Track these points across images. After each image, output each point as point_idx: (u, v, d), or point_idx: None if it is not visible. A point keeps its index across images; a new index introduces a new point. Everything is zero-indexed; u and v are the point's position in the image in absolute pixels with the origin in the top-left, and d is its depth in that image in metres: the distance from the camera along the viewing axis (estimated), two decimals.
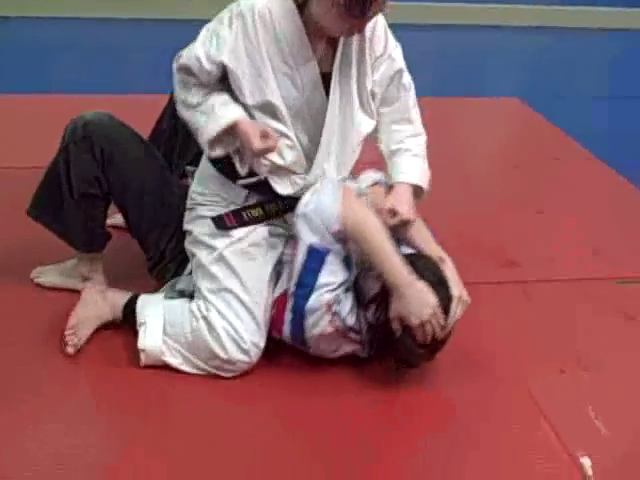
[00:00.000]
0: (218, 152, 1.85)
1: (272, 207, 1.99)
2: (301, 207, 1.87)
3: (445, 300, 1.85)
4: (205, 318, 1.91)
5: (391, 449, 1.77)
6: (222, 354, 1.88)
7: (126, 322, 2.01)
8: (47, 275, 2.24)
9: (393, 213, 1.93)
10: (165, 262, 2.11)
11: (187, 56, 1.85)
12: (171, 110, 2.28)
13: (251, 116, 1.86)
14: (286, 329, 1.92)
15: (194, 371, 1.92)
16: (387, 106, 2.03)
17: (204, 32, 1.87)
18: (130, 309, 1.99)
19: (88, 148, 1.98)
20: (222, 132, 1.81)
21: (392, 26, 1.99)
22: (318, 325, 1.88)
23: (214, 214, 1.97)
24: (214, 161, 1.95)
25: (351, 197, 1.89)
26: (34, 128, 3.17)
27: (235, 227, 1.96)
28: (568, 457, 1.76)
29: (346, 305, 1.90)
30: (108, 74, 4.12)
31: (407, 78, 2.04)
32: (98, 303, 2.04)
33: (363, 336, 1.95)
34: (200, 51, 1.83)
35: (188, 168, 2.27)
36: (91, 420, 1.78)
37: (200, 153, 2.03)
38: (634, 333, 2.27)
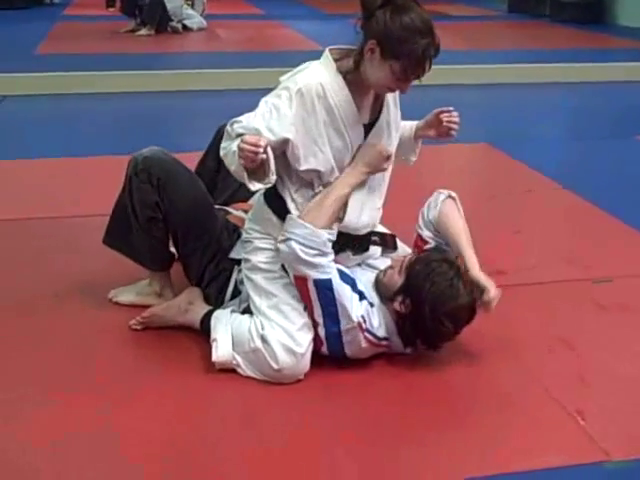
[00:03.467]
0: (258, 186, 2.11)
1: None
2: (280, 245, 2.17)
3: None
4: (262, 337, 2.17)
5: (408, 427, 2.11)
6: (275, 365, 2.14)
7: (203, 333, 2.32)
8: (124, 294, 2.58)
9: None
10: (205, 283, 2.43)
11: (245, 126, 2.10)
12: (215, 149, 2.63)
13: (297, 177, 2.19)
14: (325, 349, 2.22)
15: (259, 378, 2.19)
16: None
17: (263, 105, 2.14)
18: (206, 325, 2.30)
19: (146, 178, 2.33)
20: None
21: None
22: (354, 343, 2.19)
23: (268, 246, 2.27)
24: (268, 201, 2.26)
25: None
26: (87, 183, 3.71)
27: None
28: (567, 414, 2.09)
29: (374, 320, 2.20)
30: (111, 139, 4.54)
31: None
32: (180, 311, 2.38)
33: (392, 338, 2.24)
34: (260, 123, 2.10)
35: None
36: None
37: (235, 192, 2.42)
38: (607, 319, 2.64)
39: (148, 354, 2.35)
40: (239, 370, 2.20)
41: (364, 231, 2.33)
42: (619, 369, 2.32)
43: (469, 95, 6.14)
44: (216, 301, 2.42)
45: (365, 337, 2.19)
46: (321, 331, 2.19)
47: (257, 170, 2.07)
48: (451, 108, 2.44)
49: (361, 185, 2.25)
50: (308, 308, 2.19)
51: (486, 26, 10.70)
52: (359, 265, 2.37)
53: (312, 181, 2.22)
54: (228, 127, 2.17)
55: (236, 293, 2.39)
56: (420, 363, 2.31)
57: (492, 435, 2.03)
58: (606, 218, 3.53)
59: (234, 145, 2.09)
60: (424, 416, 2.11)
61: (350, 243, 2.31)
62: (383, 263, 2.37)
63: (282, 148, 2.14)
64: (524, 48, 8.59)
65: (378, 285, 2.28)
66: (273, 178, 2.09)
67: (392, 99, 2.29)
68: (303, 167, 2.18)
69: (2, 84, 5.81)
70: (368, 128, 2.24)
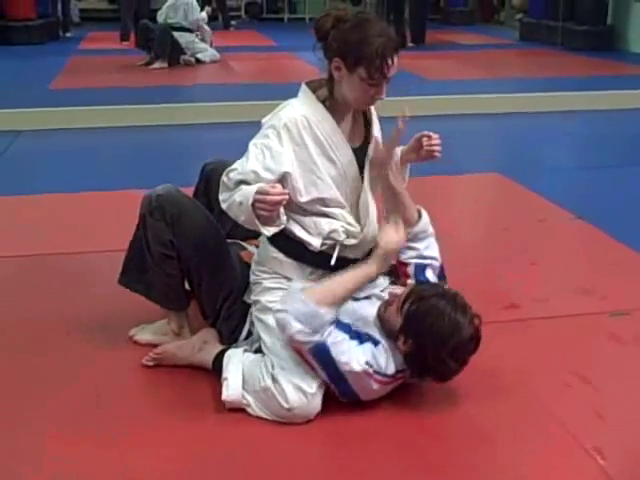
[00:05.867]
0: (272, 230, 2.13)
1: None
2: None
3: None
4: (272, 375, 2.15)
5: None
6: (285, 404, 2.12)
7: (215, 372, 2.30)
8: (142, 333, 2.57)
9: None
10: (220, 321, 2.42)
11: (241, 172, 2.16)
12: (204, 188, 2.68)
13: (303, 210, 2.22)
14: (339, 395, 2.18)
15: (269, 418, 2.16)
16: None
17: (253, 148, 2.20)
18: (218, 364, 2.28)
19: (160, 216, 2.33)
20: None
21: (384, 119, 2.41)
22: (366, 388, 2.16)
23: (277, 285, 2.28)
24: (272, 240, 2.26)
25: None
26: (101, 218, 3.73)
27: None
28: (585, 452, 2.05)
29: (381, 360, 2.15)
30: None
31: None
32: (193, 350, 2.37)
33: (407, 372, 2.22)
34: (255, 165, 2.15)
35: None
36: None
37: (233, 227, 2.44)
38: (624, 352, 2.60)
39: (159, 393, 2.34)
40: (249, 410, 2.18)
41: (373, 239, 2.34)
42: (637, 404, 2.29)
43: (481, 124, 6.16)
44: (229, 340, 2.41)
45: (375, 380, 2.16)
46: (330, 385, 2.16)
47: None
48: (431, 133, 2.47)
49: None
50: (310, 367, 2.15)
51: (498, 54, 10.71)
52: (368, 298, 2.35)
53: (316, 211, 2.24)
54: (224, 177, 2.21)
55: (250, 334, 2.38)
56: (433, 399, 2.28)
57: (508, 475, 2.00)
58: (621, 248, 3.50)
59: (237, 196, 2.14)
60: (436, 455, 2.08)
61: None
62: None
63: (282, 185, 2.16)
64: (536, 76, 8.59)
65: (381, 321, 2.25)
66: (284, 219, 2.12)
67: (374, 122, 2.35)
68: (305, 198, 2.21)
69: (17, 119, 5.87)
70: (358, 152, 2.29)
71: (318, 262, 2.29)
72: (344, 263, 2.28)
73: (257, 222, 2.10)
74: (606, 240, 3.60)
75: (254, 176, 2.15)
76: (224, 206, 2.21)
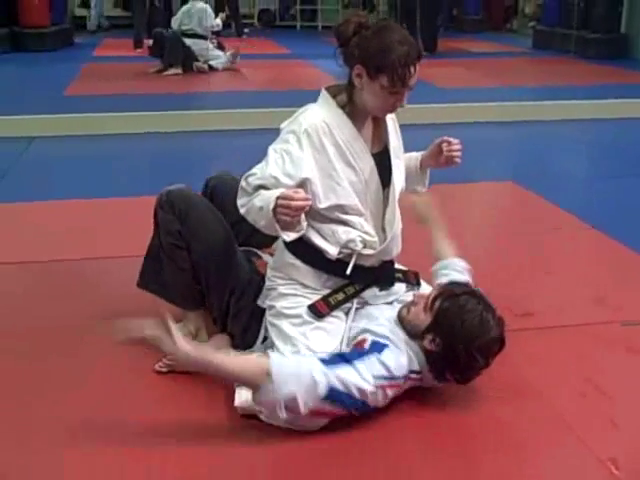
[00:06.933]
0: (292, 235, 2.13)
1: (351, 289, 2.32)
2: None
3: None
4: None
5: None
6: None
7: None
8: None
9: None
10: (230, 318, 2.41)
11: (261, 176, 2.15)
12: (209, 199, 2.64)
13: (322, 217, 2.21)
14: (354, 411, 2.13)
15: (280, 425, 2.12)
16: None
17: (272, 153, 2.19)
18: None
19: (170, 209, 2.39)
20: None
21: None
22: (381, 399, 2.13)
23: (292, 292, 2.28)
24: (290, 246, 2.25)
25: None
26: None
27: (328, 314, 2.27)
28: (599, 462, 2.04)
29: (389, 362, 2.12)
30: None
31: None
32: None
33: (424, 372, 2.21)
34: (275, 170, 2.15)
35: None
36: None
37: (249, 237, 2.48)
38: (639, 362, 2.59)
39: (173, 399, 2.33)
40: (261, 416, 2.16)
41: (395, 252, 2.35)
42: None
43: (494, 132, 6.15)
44: (242, 343, 2.41)
45: (389, 387, 2.14)
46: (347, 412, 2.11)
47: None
48: (451, 139, 2.47)
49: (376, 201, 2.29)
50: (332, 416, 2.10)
51: (511, 62, 10.71)
52: (390, 304, 2.36)
53: (335, 218, 2.23)
54: (242, 182, 2.21)
55: (266, 339, 2.38)
56: (446, 408, 2.27)
57: None
58: (636, 258, 3.48)
59: (257, 200, 2.14)
60: (445, 461, 2.07)
61: (374, 277, 2.32)
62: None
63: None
64: (549, 84, 8.58)
65: (402, 322, 2.25)
66: (305, 225, 2.13)
67: (392, 127, 2.35)
68: (324, 204, 2.20)
69: (31, 125, 5.90)
70: (377, 158, 2.28)
71: (335, 270, 2.29)
72: (360, 271, 2.28)
73: (277, 227, 2.09)
74: (621, 250, 3.58)
75: (274, 181, 2.14)
76: (242, 211, 2.21)
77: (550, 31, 11.86)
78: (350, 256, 2.27)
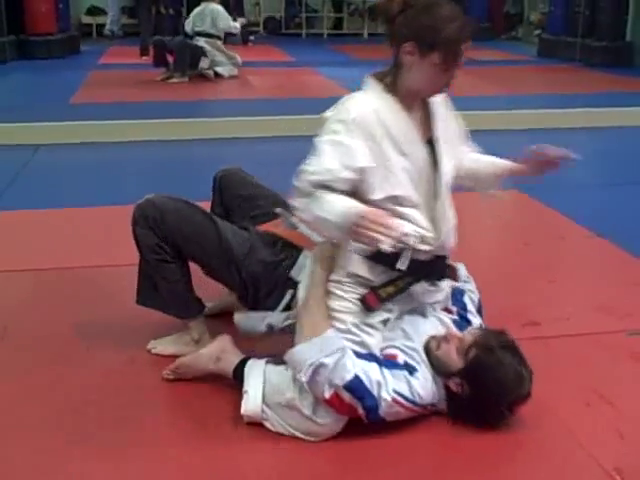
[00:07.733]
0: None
1: (400, 283, 2.24)
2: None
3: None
4: (300, 387, 2.10)
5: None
6: (312, 416, 2.09)
7: (236, 383, 2.28)
8: (162, 345, 2.58)
9: None
10: (250, 289, 2.36)
11: (318, 172, 2.05)
12: (217, 200, 2.73)
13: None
14: (365, 419, 2.12)
15: (286, 433, 2.14)
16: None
17: (323, 146, 2.08)
18: (239, 373, 2.26)
19: (144, 223, 2.36)
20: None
21: None
22: (394, 414, 2.12)
23: (335, 277, 2.21)
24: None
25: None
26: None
27: (379, 308, 2.22)
28: (604, 472, 2.03)
29: (416, 387, 2.11)
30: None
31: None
32: (211, 359, 2.34)
33: (441, 405, 2.20)
34: (332, 163, 2.04)
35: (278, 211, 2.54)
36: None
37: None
38: None
39: (180, 407, 2.35)
40: (267, 425, 2.16)
41: (449, 247, 2.30)
42: None
43: (499, 140, 6.10)
44: (264, 306, 2.35)
45: (405, 407, 2.12)
46: (360, 411, 2.10)
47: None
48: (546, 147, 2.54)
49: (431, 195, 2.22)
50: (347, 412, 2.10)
51: (516, 70, 10.72)
52: (425, 316, 2.32)
53: (389, 211, 2.12)
54: (297, 183, 2.10)
55: (289, 308, 2.32)
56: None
57: None
58: None
59: (326, 214, 2.03)
60: (451, 473, 2.06)
61: (427, 270, 2.27)
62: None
63: (356, 183, 2.10)
64: (554, 92, 8.59)
65: (429, 354, 2.21)
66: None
67: (443, 112, 2.28)
68: (378, 195, 2.13)
69: (36, 133, 5.92)
70: (428, 145, 2.21)
71: (391, 262, 2.19)
72: (415, 265, 2.21)
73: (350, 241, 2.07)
74: (627, 258, 3.57)
75: (330, 175, 2.05)
76: (301, 214, 2.14)
77: (555, 39, 11.86)
78: (404, 249, 2.18)
